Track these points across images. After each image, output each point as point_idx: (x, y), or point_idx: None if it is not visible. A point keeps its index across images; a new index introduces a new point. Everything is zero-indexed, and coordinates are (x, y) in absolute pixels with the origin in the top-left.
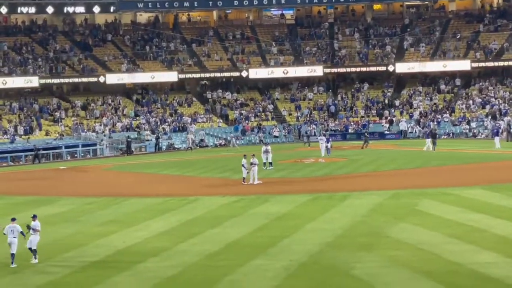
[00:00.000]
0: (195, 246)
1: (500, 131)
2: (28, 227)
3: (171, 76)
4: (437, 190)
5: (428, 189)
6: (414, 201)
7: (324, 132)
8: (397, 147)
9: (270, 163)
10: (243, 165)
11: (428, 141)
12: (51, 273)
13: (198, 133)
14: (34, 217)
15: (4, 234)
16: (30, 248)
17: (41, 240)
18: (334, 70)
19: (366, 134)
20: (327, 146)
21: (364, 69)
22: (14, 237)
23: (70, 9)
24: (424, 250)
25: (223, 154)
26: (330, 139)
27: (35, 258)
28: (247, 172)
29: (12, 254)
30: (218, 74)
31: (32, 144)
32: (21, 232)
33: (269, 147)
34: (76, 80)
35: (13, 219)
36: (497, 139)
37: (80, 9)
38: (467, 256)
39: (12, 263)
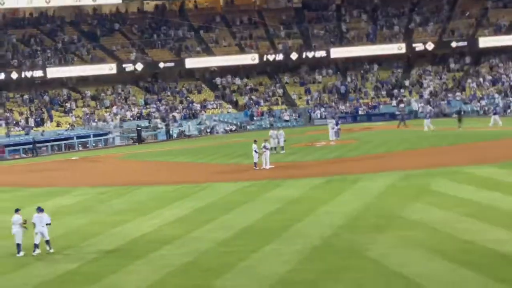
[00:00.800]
0: (209, 232)
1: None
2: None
3: (180, 64)
4: (449, 169)
5: (440, 169)
6: (426, 181)
7: (333, 114)
8: (409, 127)
9: (282, 147)
10: (254, 150)
11: (428, 121)
12: (68, 263)
13: (211, 120)
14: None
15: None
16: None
17: (57, 230)
18: (343, 52)
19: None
20: (335, 129)
21: (373, 49)
22: (43, 227)
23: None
24: (437, 229)
25: (234, 139)
26: (340, 122)
27: (50, 248)
28: (258, 157)
29: (35, 244)
30: (227, 60)
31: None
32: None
33: (281, 131)
34: (85, 70)
35: (40, 209)
36: (496, 117)
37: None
38: (480, 234)
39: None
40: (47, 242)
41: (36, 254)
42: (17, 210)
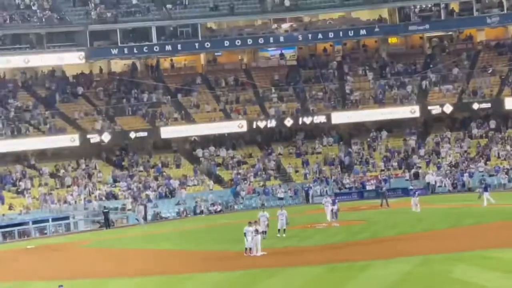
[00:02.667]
0: None
1: None
2: None
3: (154, 133)
4: (474, 253)
5: (464, 253)
6: (448, 267)
7: (329, 192)
8: (424, 205)
9: (284, 230)
10: (245, 234)
11: (486, 194)
12: None
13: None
14: None
15: None
16: None
17: None
18: (346, 117)
19: (382, 189)
20: (332, 209)
21: (381, 113)
22: None
23: (32, 61)
24: None
25: (220, 222)
26: (337, 201)
27: None
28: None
29: None
30: (210, 128)
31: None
32: None
33: (284, 211)
34: (43, 142)
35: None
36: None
37: (46, 59)
38: None
39: None
40: None
41: None
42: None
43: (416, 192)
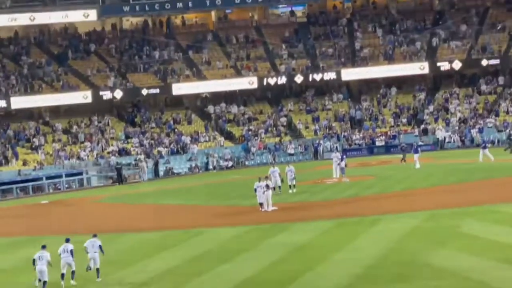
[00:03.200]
0: (203, 286)
1: None
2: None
3: (167, 90)
4: (482, 208)
5: (472, 207)
6: (456, 222)
7: (339, 148)
8: (433, 160)
9: (293, 186)
10: (255, 189)
11: (486, 151)
12: None
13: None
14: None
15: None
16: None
17: None
18: (355, 73)
19: (403, 146)
20: (340, 165)
21: (391, 70)
22: (95, 252)
23: (45, 17)
24: (471, 278)
25: (231, 177)
26: (345, 157)
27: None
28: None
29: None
30: (221, 85)
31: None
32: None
33: (291, 167)
34: (56, 99)
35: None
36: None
37: (57, 16)
38: None
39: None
40: (97, 270)
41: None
42: (43, 247)
43: (418, 149)
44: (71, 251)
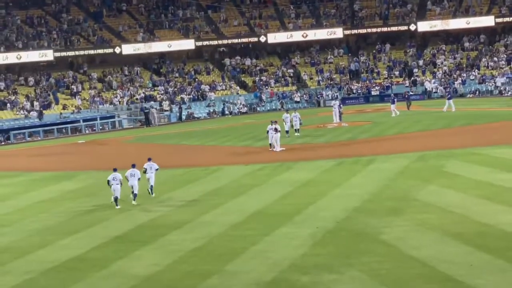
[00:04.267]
0: (219, 216)
1: None
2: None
3: (188, 44)
4: (464, 151)
5: (455, 150)
6: (441, 162)
7: (339, 97)
8: (422, 108)
9: (297, 130)
10: (267, 131)
11: (450, 101)
12: (74, 249)
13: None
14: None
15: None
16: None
17: (62, 216)
18: (355, 31)
19: (407, 96)
20: (340, 111)
21: (385, 29)
22: (152, 173)
23: None
24: (453, 212)
25: (245, 121)
26: (341, 105)
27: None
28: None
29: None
30: (236, 40)
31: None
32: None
33: (297, 113)
34: (91, 52)
35: (133, 165)
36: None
37: None
38: (497, 217)
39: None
40: (151, 187)
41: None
42: (115, 170)
43: (395, 100)
44: (136, 175)
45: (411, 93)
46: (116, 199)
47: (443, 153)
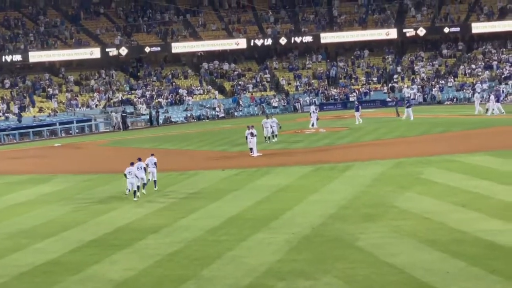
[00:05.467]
0: (196, 221)
1: (504, 95)
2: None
3: (166, 48)
4: (441, 158)
5: (432, 157)
6: (418, 169)
7: (317, 102)
8: (399, 115)
9: (275, 135)
10: (246, 136)
11: (409, 110)
12: (49, 252)
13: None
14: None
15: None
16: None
17: (38, 219)
18: (333, 37)
19: (395, 101)
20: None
21: (364, 34)
22: (153, 167)
23: None
24: (429, 219)
25: (222, 126)
26: (317, 110)
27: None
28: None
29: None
30: (214, 45)
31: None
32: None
33: (274, 119)
34: (68, 54)
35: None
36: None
37: None
38: (473, 224)
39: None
40: (155, 181)
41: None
42: (132, 164)
43: (359, 107)
44: (144, 168)
45: (398, 98)
46: (134, 192)
47: (420, 160)
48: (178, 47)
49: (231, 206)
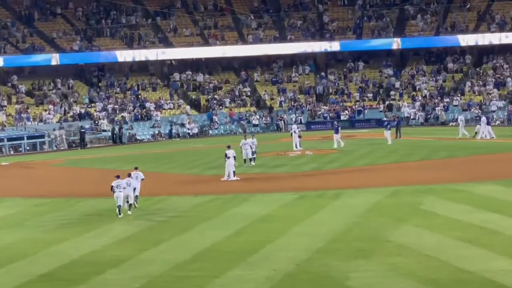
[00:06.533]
0: (163, 254)
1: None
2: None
3: (131, 55)
4: (444, 186)
5: (434, 185)
6: (417, 199)
7: (304, 121)
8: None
9: (252, 159)
10: (228, 157)
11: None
12: None
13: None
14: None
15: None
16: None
17: None
18: (323, 46)
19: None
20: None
21: (359, 44)
22: (138, 182)
23: None
24: (429, 256)
25: (194, 146)
26: (299, 130)
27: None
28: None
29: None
30: (187, 53)
31: None
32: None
33: (254, 139)
34: (20, 60)
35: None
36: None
37: None
38: (479, 263)
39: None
40: (136, 197)
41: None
42: (118, 176)
43: (338, 128)
44: (130, 184)
45: (385, 119)
46: (119, 208)
47: (420, 188)
48: (145, 54)
49: (203, 237)
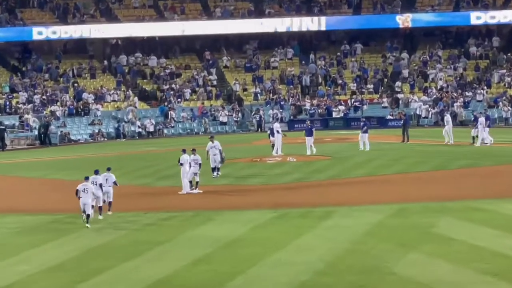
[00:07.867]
0: (103, 286)
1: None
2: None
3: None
4: (463, 204)
5: (450, 202)
6: (429, 220)
7: (286, 119)
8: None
9: (215, 168)
10: (181, 164)
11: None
12: None
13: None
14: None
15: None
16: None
17: None
18: (311, 23)
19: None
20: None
21: (356, 21)
22: (109, 186)
23: None
24: None
25: (145, 149)
26: (279, 130)
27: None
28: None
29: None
30: (137, 29)
31: None
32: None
33: (216, 142)
34: None
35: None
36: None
37: None
38: None
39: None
40: (110, 203)
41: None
42: (86, 178)
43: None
44: (100, 185)
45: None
46: (88, 216)
47: (432, 206)
48: (83, 31)
49: (155, 267)
